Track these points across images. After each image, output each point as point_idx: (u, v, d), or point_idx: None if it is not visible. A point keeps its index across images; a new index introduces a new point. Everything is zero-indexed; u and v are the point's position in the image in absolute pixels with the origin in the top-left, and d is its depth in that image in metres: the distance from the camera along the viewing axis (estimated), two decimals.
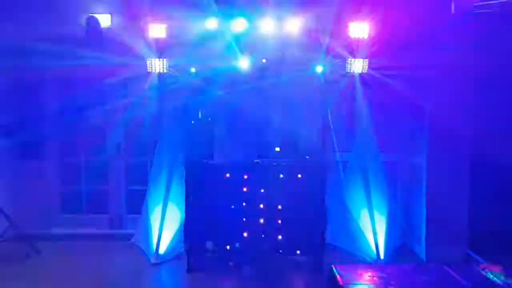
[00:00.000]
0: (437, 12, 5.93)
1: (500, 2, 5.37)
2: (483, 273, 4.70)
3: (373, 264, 6.12)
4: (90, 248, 6.78)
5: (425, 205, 6.31)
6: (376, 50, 5.95)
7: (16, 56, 7.12)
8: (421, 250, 6.41)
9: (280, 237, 5.91)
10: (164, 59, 6.03)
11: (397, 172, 7.00)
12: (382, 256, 6.20)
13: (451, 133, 6.14)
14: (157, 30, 5.85)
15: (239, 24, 5.93)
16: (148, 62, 6.08)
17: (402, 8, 5.69)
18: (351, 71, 6.18)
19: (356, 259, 6.32)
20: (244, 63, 6.14)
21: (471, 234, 6.28)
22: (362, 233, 6.37)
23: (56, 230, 7.36)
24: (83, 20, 5.95)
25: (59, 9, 6.43)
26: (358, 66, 6.10)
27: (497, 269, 4.70)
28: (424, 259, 6.31)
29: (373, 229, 6.26)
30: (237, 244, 5.93)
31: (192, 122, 6.36)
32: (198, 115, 6.42)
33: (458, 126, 6.12)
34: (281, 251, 5.94)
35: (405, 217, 6.97)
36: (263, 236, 5.91)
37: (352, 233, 6.45)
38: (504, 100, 5.68)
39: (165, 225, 6.27)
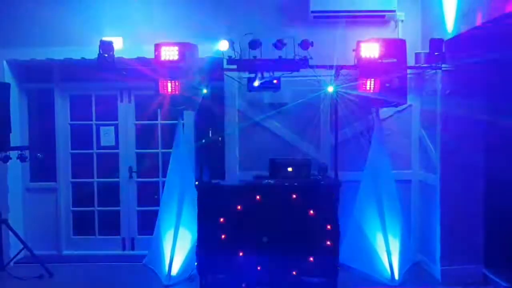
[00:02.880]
0: None
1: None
2: None
3: (390, 286, 6.04)
4: (102, 269, 6.76)
5: (439, 223, 6.23)
6: (387, 69, 5.92)
7: (31, 81, 7.27)
8: (436, 269, 6.32)
9: (293, 258, 5.83)
10: (176, 81, 6.01)
11: (411, 190, 6.96)
12: (397, 277, 6.11)
13: (464, 150, 6.09)
14: (169, 53, 5.86)
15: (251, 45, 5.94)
16: (160, 84, 6.08)
17: None
18: (362, 91, 6.14)
19: (371, 280, 6.24)
20: (256, 83, 6.15)
21: (487, 253, 6.19)
22: (376, 253, 6.28)
23: (68, 252, 7.38)
24: (95, 44, 5.98)
25: (72, 33, 6.54)
26: (369, 85, 6.05)
27: None
28: (439, 279, 6.22)
29: (387, 249, 6.17)
30: (249, 267, 5.86)
31: (203, 141, 6.38)
32: (209, 135, 6.45)
33: (472, 143, 6.09)
34: (295, 273, 5.87)
35: (420, 236, 6.90)
36: (276, 257, 5.83)
37: (366, 253, 6.36)
38: None
39: (177, 247, 6.23)
